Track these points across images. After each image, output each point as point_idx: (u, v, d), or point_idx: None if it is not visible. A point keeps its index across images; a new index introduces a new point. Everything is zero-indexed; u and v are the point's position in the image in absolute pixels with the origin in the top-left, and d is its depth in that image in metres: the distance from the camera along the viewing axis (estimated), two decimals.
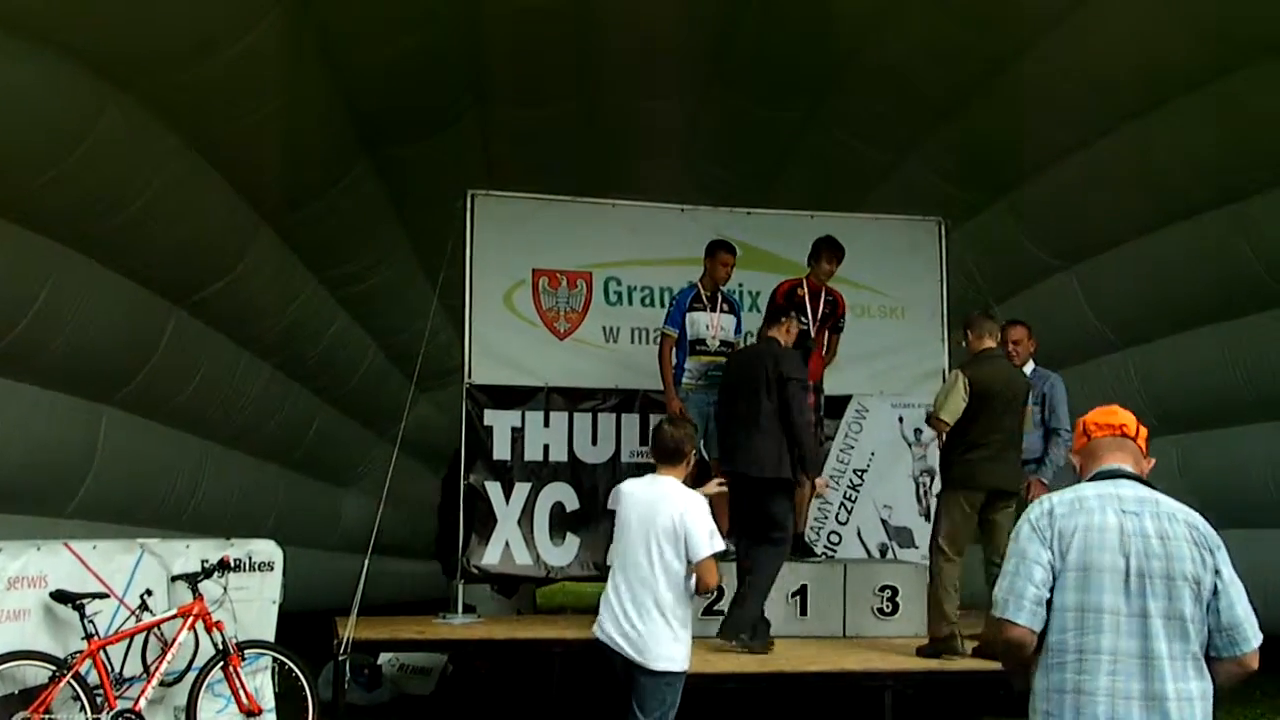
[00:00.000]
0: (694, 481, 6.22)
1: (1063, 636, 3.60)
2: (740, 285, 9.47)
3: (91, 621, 6.41)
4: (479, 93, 9.90)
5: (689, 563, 5.68)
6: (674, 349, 8.70)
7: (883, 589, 8.47)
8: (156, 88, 7.11)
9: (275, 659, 7.26)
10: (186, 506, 10.04)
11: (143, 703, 6.56)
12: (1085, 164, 9.51)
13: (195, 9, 6.78)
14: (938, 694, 8.01)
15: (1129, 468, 3.78)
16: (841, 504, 9.91)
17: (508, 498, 9.13)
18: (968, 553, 7.77)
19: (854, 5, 8.68)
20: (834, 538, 9.85)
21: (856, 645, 8.06)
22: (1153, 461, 3.90)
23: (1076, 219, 10.17)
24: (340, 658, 7.42)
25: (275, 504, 11.71)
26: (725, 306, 8.87)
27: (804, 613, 8.32)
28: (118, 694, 6.47)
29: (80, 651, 6.35)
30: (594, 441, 9.35)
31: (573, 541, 9.25)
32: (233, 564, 7.09)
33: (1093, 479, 3.78)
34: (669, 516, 5.67)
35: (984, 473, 7.62)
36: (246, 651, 7.02)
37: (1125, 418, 3.88)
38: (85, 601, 6.42)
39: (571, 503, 9.25)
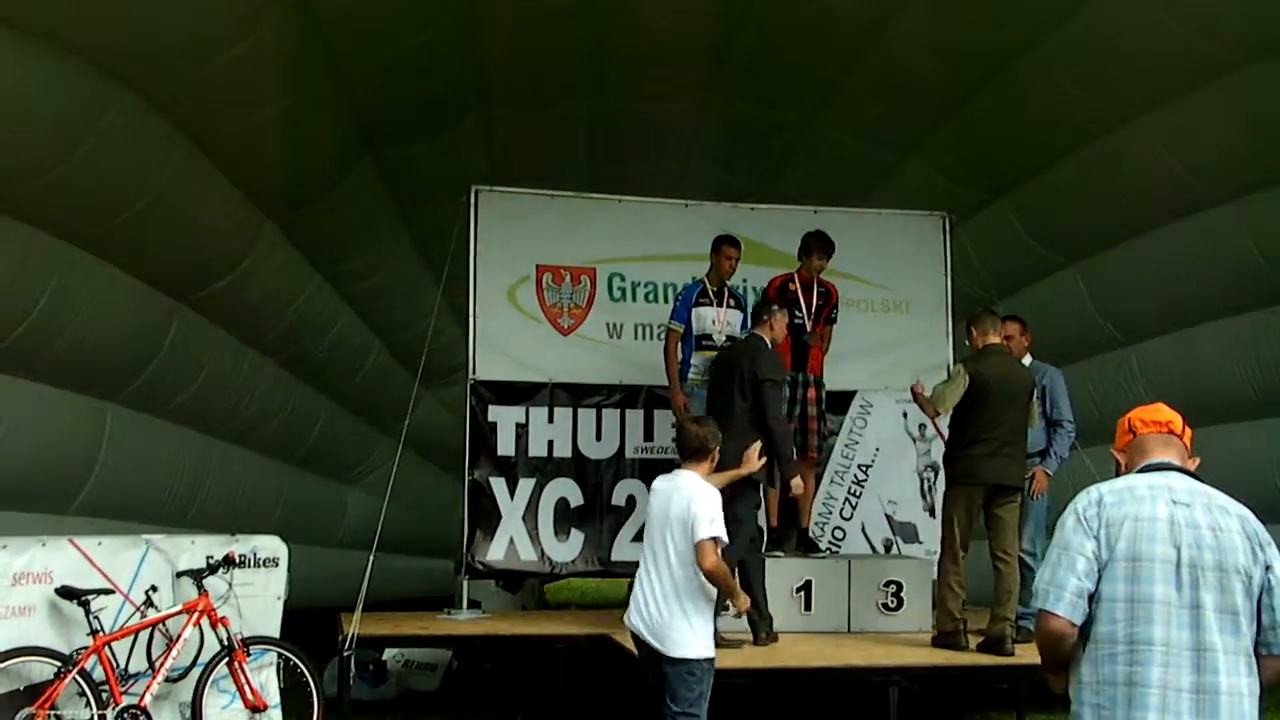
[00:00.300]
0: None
1: (1113, 627, 3.52)
2: (744, 280, 9.43)
3: (97, 617, 6.43)
4: (481, 93, 9.90)
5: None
6: (680, 344, 8.68)
7: (887, 584, 8.44)
8: (159, 86, 7.11)
9: (280, 655, 7.26)
10: (191, 503, 10.03)
11: (148, 698, 6.57)
12: (1088, 161, 9.48)
13: (198, 8, 6.78)
14: (943, 689, 8.01)
15: (1177, 462, 3.75)
16: (846, 499, 9.91)
17: (512, 493, 9.15)
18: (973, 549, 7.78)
19: (855, 5, 8.66)
20: (838, 533, 9.85)
21: (861, 640, 8.03)
22: (1198, 460, 3.86)
23: (1080, 216, 10.14)
24: (345, 653, 7.42)
25: (280, 500, 11.71)
26: (731, 301, 8.83)
27: (808, 608, 8.29)
28: (123, 690, 6.49)
29: (86, 647, 6.37)
30: (598, 437, 9.37)
31: (577, 537, 9.27)
32: (238, 560, 7.09)
33: (1141, 472, 3.74)
34: (680, 506, 5.79)
35: (984, 468, 7.60)
36: (252, 647, 7.02)
37: (1171, 415, 3.87)
38: (90, 597, 6.43)
39: (576, 498, 9.28)
